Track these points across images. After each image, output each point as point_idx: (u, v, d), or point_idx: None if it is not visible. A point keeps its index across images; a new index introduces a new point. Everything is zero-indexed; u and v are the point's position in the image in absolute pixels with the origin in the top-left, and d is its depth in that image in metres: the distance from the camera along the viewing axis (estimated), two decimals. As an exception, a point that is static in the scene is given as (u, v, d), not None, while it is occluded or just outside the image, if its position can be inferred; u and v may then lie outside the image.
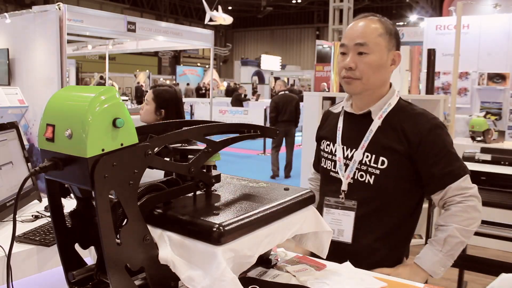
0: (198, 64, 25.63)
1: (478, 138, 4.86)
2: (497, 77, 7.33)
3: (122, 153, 0.87)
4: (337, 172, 1.66)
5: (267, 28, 31.42)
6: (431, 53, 4.92)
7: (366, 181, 1.61)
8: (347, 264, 1.37)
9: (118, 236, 0.89)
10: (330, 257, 1.29)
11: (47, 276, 1.59)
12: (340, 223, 1.64)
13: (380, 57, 1.58)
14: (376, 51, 1.57)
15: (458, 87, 6.68)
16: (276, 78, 16.56)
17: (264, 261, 1.32)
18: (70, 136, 0.84)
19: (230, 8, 24.89)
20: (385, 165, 1.58)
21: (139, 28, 5.66)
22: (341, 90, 5.20)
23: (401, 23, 22.51)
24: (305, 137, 5.43)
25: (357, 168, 1.63)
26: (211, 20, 14.67)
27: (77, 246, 1.03)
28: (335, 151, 1.70)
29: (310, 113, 5.10)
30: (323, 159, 1.77)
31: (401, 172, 1.59)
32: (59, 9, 4.24)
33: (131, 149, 0.88)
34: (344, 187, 1.64)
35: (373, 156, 1.59)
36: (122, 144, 0.87)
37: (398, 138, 1.58)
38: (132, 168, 0.89)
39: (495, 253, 4.19)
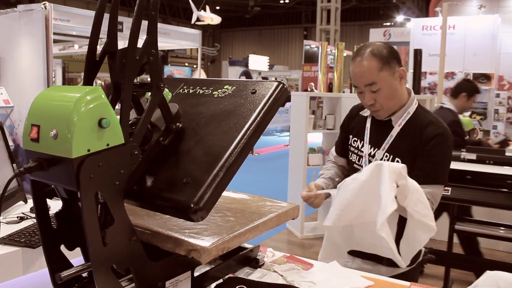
0: (186, 64, 25.45)
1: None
2: (482, 77, 7.41)
3: (108, 153, 0.86)
4: (361, 166, 1.88)
5: (255, 28, 31.37)
6: (418, 54, 4.96)
7: None
8: (334, 263, 1.38)
9: (104, 237, 0.88)
10: None
11: (32, 278, 1.58)
12: None
13: (390, 85, 1.74)
14: (384, 83, 1.73)
15: (444, 87, 6.73)
16: (264, 78, 16.55)
17: (252, 260, 1.32)
18: (56, 136, 0.83)
19: (218, 8, 24.80)
20: None
21: (126, 28, 5.59)
22: (329, 90, 5.21)
23: (387, 24, 22.64)
24: (292, 136, 5.44)
25: None
26: (198, 20, 14.58)
27: (62, 248, 1.03)
28: (362, 147, 1.90)
29: (298, 113, 5.08)
30: (350, 152, 1.97)
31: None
32: (45, 8, 4.18)
33: (117, 150, 0.88)
34: None
35: (391, 156, 1.79)
36: (108, 145, 0.86)
37: (412, 144, 1.75)
38: (118, 169, 0.88)
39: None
